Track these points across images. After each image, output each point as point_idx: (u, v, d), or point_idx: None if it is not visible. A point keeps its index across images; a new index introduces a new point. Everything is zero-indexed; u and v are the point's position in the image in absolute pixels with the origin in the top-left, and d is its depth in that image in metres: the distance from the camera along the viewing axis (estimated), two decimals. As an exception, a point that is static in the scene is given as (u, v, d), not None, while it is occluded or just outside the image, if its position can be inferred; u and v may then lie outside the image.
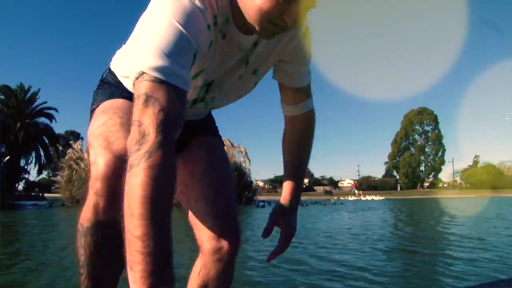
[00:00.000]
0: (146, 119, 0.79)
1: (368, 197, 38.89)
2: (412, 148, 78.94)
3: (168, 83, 0.82)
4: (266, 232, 1.27)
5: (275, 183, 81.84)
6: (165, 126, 0.79)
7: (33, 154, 34.00)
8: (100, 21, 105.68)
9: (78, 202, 22.11)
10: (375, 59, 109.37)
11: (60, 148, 27.79)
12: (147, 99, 0.80)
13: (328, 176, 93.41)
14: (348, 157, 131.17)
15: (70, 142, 24.81)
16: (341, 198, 42.28)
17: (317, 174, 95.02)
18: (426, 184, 79.85)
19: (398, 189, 75.15)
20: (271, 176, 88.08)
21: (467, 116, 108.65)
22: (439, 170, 79.20)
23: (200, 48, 0.90)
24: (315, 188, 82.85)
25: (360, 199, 37.49)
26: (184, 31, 0.84)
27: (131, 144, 0.79)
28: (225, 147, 17.82)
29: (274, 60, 1.19)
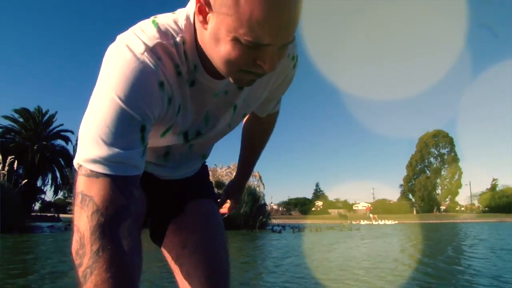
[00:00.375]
0: (82, 225, 0.72)
1: (381, 222, 38.30)
2: (427, 171, 78.03)
3: (106, 175, 0.75)
4: (220, 205, 1.45)
5: (289, 206, 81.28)
6: (101, 230, 0.71)
7: (49, 176, 34.49)
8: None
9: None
10: (390, 80, 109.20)
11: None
12: (82, 199, 0.74)
13: (342, 199, 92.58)
14: (363, 180, 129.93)
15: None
16: (355, 222, 41.71)
17: (331, 197, 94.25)
18: (442, 207, 78.56)
19: (414, 212, 73.93)
20: (285, 199, 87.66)
21: (484, 138, 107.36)
22: (456, 193, 77.95)
23: (151, 114, 0.81)
24: (329, 211, 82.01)
25: (372, 223, 36.98)
26: (124, 107, 0.76)
27: (74, 254, 0.72)
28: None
29: (262, 96, 1.10)
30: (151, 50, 0.82)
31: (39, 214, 37.18)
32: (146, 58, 0.80)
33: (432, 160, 78.11)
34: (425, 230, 22.31)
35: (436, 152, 77.90)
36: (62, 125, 35.59)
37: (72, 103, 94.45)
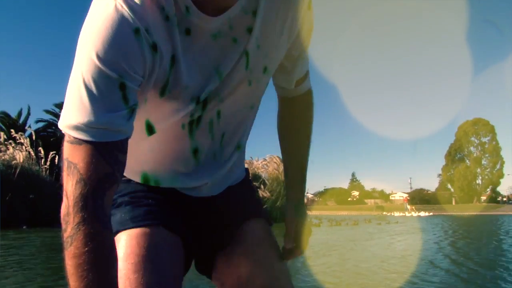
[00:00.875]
0: (69, 191, 0.72)
1: (417, 213, 37.57)
2: (467, 161, 75.87)
3: (88, 142, 0.72)
4: (287, 256, 1.17)
5: (325, 195, 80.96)
6: (84, 199, 0.71)
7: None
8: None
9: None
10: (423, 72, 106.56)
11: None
12: (68, 166, 0.73)
13: (379, 188, 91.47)
14: (400, 170, 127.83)
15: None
16: (391, 213, 41.08)
17: (367, 187, 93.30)
18: (483, 198, 76.41)
19: (453, 203, 72.25)
20: (321, 189, 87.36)
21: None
22: (497, 183, 75.49)
23: (130, 69, 0.73)
24: (366, 201, 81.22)
25: (409, 215, 36.32)
26: (99, 65, 0.70)
27: (62, 218, 0.73)
28: (275, 164, 17.63)
29: (283, 45, 0.95)
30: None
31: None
32: (118, 3, 0.72)
33: (472, 149, 75.78)
34: (466, 224, 21.71)
35: (476, 141, 75.51)
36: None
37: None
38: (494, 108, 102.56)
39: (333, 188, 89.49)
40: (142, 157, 1.00)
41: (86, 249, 0.70)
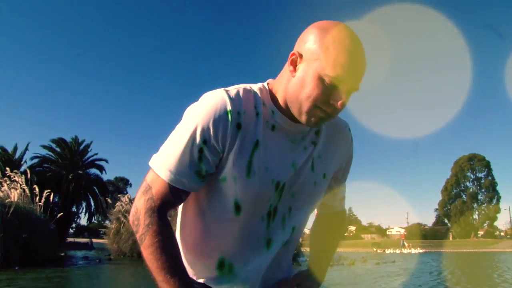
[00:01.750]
0: (139, 204, 1.05)
1: (414, 250, 37.15)
2: (464, 196, 75.78)
3: (163, 179, 1.04)
4: None
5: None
6: (151, 211, 1.03)
7: (84, 204, 35.26)
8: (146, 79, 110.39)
9: (125, 255, 22.49)
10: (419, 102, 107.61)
11: (109, 200, 28.48)
12: (146, 187, 1.06)
13: (376, 223, 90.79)
14: (397, 204, 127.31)
15: (119, 195, 25.40)
16: (389, 251, 40.64)
17: (364, 221, 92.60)
18: (480, 232, 75.94)
19: (450, 238, 71.70)
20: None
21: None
22: (494, 218, 75.14)
23: (213, 137, 1.02)
24: (362, 236, 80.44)
25: (405, 251, 35.93)
26: (191, 129, 1.02)
27: (131, 223, 1.07)
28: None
29: (335, 164, 1.23)
30: (229, 90, 1.06)
31: (72, 240, 37.87)
32: (225, 93, 1.04)
33: (468, 184, 75.83)
34: (463, 261, 21.47)
35: (472, 176, 75.64)
36: (96, 154, 36.46)
37: (106, 133, 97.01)
38: (489, 143, 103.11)
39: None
40: (223, 240, 1.14)
41: (156, 240, 1.01)
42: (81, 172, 34.09)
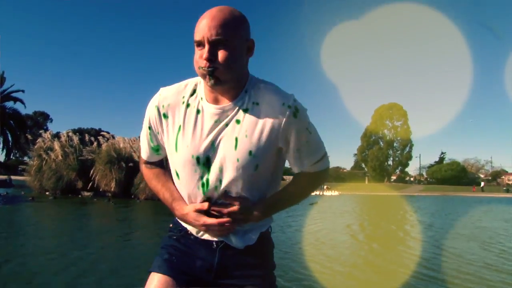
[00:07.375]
0: (140, 161, 1.61)
1: (334, 193, 38.91)
2: (381, 142, 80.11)
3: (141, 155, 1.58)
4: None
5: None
6: (143, 166, 1.58)
7: (0, 139, 33.19)
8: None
9: (47, 191, 22.06)
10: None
11: (29, 136, 27.06)
12: (140, 160, 1.61)
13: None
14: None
15: (40, 131, 24.23)
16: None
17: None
18: (393, 177, 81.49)
19: (366, 181, 76.12)
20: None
21: (436, 113, 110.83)
22: (406, 165, 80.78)
23: (152, 121, 1.41)
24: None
25: (331, 194, 37.59)
26: (145, 120, 1.45)
27: (140, 159, 1.62)
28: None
29: (270, 142, 1.29)
30: (165, 89, 1.41)
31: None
32: (159, 92, 1.40)
33: (386, 132, 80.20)
34: (377, 203, 23.07)
35: (390, 124, 79.95)
36: (13, 85, 34.01)
37: (23, 62, 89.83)
38: (407, 94, 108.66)
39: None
40: (184, 196, 1.45)
41: (147, 173, 1.55)
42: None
